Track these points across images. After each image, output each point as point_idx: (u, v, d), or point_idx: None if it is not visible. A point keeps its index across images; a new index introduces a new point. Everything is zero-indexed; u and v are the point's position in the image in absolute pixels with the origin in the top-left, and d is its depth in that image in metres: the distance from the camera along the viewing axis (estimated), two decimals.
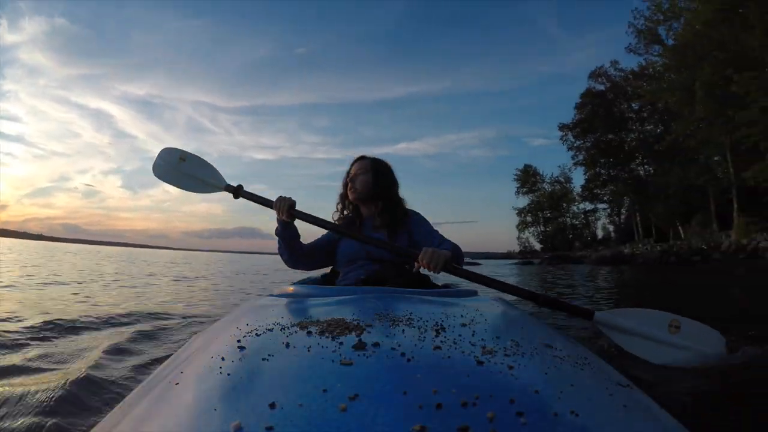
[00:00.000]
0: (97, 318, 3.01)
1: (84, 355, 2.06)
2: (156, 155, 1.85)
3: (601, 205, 42.85)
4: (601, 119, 34.90)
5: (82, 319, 2.90)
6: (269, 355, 0.54)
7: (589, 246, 39.91)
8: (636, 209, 33.70)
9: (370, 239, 1.38)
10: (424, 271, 1.45)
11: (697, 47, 17.00)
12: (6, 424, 1.27)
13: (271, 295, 1.20)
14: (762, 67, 15.52)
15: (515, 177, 52.26)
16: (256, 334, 0.66)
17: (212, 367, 0.54)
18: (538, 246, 53.52)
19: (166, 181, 1.80)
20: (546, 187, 51.39)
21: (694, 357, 1.16)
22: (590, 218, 48.92)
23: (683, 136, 20.87)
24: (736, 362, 1.35)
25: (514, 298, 1.33)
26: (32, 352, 2.08)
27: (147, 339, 2.43)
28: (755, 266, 10.64)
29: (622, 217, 40.63)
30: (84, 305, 3.85)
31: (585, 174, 38.29)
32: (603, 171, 36.90)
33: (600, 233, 48.99)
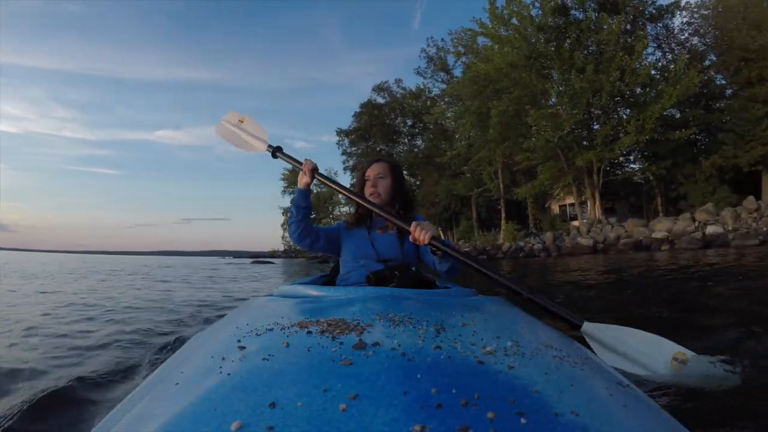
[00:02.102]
0: None
1: None
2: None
3: (344, 208, 45.74)
4: (377, 129, 38.15)
5: None
6: (269, 355, 0.54)
7: None
8: None
9: (382, 213, 1.46)
10: (426, 273, 1.48)
11: (497, 82, 19.98)
12: (6, 425, 1.27)
13: (271, 295, 1.20)
14: (547, 107, 19.72)
15: (282, 177, 52.43)
16: (256, 334, 0.66)
17: (212, 367, 0.54)
18: None
19: (223, 138, 2.08)
20: (312, 188, 53.84)
21: (647, 368, 1.08)
22: None
23: (465, 153, 24.58)
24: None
25: (514, 298, 1.33)
26: None
27: None
28: (532, 263, 12.27)
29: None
30: None
31: (352, 179, 40.82)
32: None
33: None
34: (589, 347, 1.14)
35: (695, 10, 22.91)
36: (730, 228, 13.17)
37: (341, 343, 0.57)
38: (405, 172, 39.07)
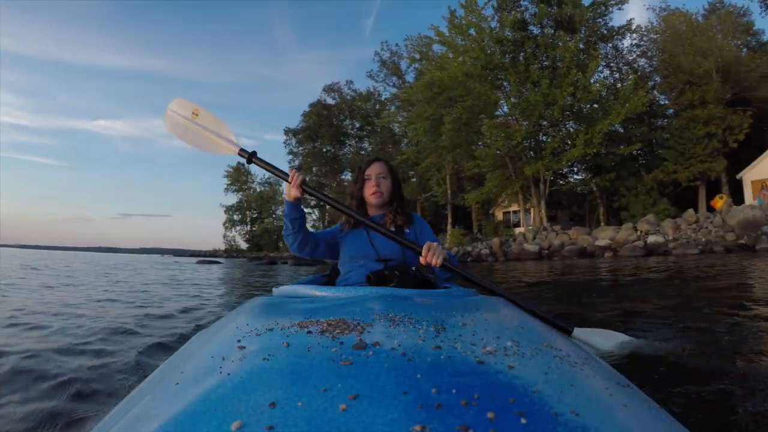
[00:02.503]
0: None
1: None
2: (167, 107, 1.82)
3: (308, 210, 46.36)
4: (325, 130, 38.30)
5: None
6: (269, 355, 0.54)
7: None
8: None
9: (382, 229, 1.43)
10: (426, 273, 1.48)
11: (451, 90, 20.40)
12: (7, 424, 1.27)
13: (271, 295, 1.20)
14: (499, 117, 21.03)
15: (226, 174, 53.01)
16: (256, 334, 0.66)
17: (212, 367, 0.54)
18: (244, 245, 54.12)
19: (177, 135, 1.74)
20: (256, 187, 53.52)
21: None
22: None
23: (414, 157, 25.51)
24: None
25: (514, 298, 1.35)
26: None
27: None
28: (480, 267, 12.69)
29: (326, 221, 44.62)
30: None
31: None
32: (315, 178, 40.63)
33: None
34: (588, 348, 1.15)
35: (645, 33, 24.66)
36: (670, 238, 13.86)
37: (341, 343, 0.57)
38: (350, 175, 38.76)
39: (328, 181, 40.45)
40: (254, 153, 1.64)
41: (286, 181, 1.48)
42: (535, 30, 20.81)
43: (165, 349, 2.22)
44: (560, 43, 19.05)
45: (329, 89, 40.82)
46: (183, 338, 2.40)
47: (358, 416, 0.38)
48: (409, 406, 0.40)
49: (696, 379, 1.39)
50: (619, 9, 22.08)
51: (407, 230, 1.60)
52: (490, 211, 27.44)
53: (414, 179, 29.39)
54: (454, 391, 0.42)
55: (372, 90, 38.08)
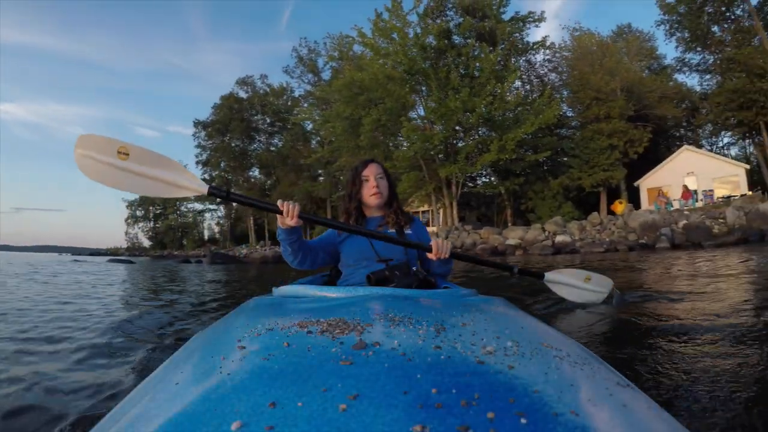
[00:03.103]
0: None
1: None
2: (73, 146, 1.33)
3: (212, 206, 46.21)
4: (236, 124, 37.16)
5: None
6: (269, 355, 0.54)
7: (201, 245, 42.88)
8: (252, 213, 38.45)
9: (387, 236, 1.43)
10: (426, 273, 1.49)
11: (372, 91, 20.91)
12: (6, 423, 1.27)
13: (272, 295, 1.20)
14: (412, 120, 21.88)
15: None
16: (256, 334, 0.66)
17: (212, 367, 0.54)
18: (147, 243, 52.60)
19: (108, 184, 1.33)
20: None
21: (597, 297, 2.03)
22: (198, 218, 50.82)
23: (329, 156, 25.87)
24: (624, 301, 2.36)
25: (514, 298, 1.38)
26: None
27: None
28: None
29: (233, 218, 44.16)
30: None
31: (203, 173, 39.55)
32: (223, 174, 39.50)
33: (206, 233, 50.80)
34: (588, 348, 1.15)
35: (557, 50, 27.40)
36: (576, 238, 14.84)
37: (341, 343, 0.57)
38: (258, 171, 39.60)
39: (236, 177, 39.55)
40: (229, 190, 1.42)
41: (278, 214, 1.35)
42: (458, 39, 21.82)
43: (165, 349, 2.22)
44: (482, 54, 20.12)
45: (242, 82, 39.70)
46: (183, 338, 2.41)
47: (358, 416, 0.38)
48: (409, 406, 0.40)
49: (697, 379, 1.40)
50: (536, 26, 24.13)
51: (409, 231, 1.61)
52: None
53: (323, 177, 29.42)
54: (454, 391, 0.42)
55: (285, 86, 37.67)
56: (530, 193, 22.70)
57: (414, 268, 1.43)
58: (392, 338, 0.58)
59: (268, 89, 38.94)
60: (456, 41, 21.81)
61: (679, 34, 24.38)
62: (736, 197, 17.19)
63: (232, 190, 1.46)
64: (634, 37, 28.74)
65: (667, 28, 24.51)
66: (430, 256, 1.42)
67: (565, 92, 25.85)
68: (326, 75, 32.09)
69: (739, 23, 22.36)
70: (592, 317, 2.32)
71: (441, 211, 23.43)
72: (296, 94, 37.06)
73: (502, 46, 22.08)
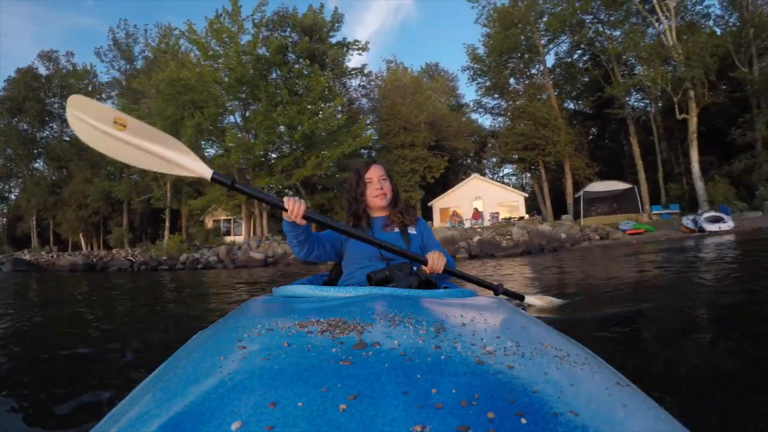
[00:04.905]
0: None
1: None
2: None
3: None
4: (32, 104, 31.71)
5: None
6: (269, 355, 0.54)
7: None
8: (41, 214, 33.72)
9: (386, 245, 1.42)
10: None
11: (198, 93, 20.53)
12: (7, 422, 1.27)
13: (272, 295, 1.20)
14: (237, 128, 22.41)
15: None
16: (256, 334, 0.66)
17: (212, 367, 0.54)
18: None
19: (107, 152, 1.25)
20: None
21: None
22: None
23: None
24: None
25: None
26: None
27: None
28: (212, 274, 12.40)
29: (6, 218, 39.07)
30: None
31: None
32: (7, 163, 34.32)
33: None
34: (588, 348, 1.15)
35: (373, 79, 30.97)
36: None
37: (341, 343, 0.57)
38: (45, 163, 33.92)
39: (20, 168, 34.40)
40: (234, 179, 1.36)
41: (284, 210, 1.33)
42: (292, 57, 23.12)
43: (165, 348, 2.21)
44: (312, 75, 21.21)
45: (46, 57, 33.64)
46: (183, 338, 2.40)
47: (358, 416, 0.38)
48: (408, 406, 0.40)
49: (697, 379, 1.40)
50: (359, 54, 27.51)
51: (413, 231, 1.61)
52: (201, 219, 26.76)
53: (123, 176, 27.16)
54: (453, 391, 0.42)
55: (89, 68, 32.83)
56: (337, 208, 24.34)
57: (415, 268, 1.43)
58: (392, 338, 0.58)
59: (70, 69, 33.59)
60: (290, 58, 22.96)
61: (480, 81, 29.17)
62: (517, 219, 21.49)
63: (236, 181, 1.36)
64: (440, 76, 34.72)
65: (471, 74, 29.17)
66: (424, 269, 1.40)
67: (371, 116, 29.15)
68: (139, 65, 29.78)
69: (533, 79, 27.86)
70: (593, 316, 2.35)
71: (243, 221, 23.80)
72: (103, 80, 32.83)
73: (332, 68, 24.08)
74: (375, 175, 1.62)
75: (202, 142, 22.93)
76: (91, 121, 1.22)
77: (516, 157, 26.44)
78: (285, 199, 1.34)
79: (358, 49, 25.83)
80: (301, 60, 22.55)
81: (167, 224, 24.84)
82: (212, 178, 1.29)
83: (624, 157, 28.64)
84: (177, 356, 0.78)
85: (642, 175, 22.44)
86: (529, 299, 2.11)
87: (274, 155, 22.75)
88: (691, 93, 19.39)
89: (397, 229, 1.58)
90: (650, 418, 0.49)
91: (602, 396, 0.49)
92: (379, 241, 1.43)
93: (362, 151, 25.44)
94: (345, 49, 25.62)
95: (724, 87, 21.66)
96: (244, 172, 21.70)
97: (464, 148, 31.03)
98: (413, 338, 0.58)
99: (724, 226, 13.72)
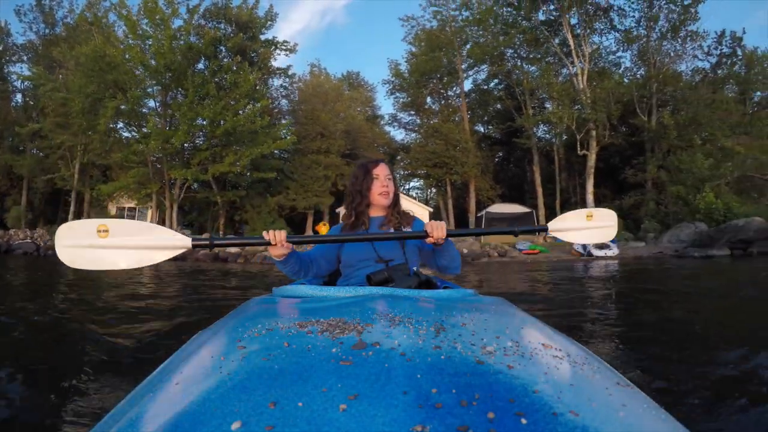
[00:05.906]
0: None
1: None
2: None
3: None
4: None
5: None
6: (269, 355, 0.54)
7: None
8: None
9: (383, 235, 1.42)
10: (428, 270, 1.48)
11: (123, 73, 19.55)
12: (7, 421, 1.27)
13: (272, 295, 1.20)
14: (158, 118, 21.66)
15: None
16: (256, 334, 0.66)
17: (212, 367, 0.54)
18: None
19: (89, 268, 1.26)
20: None
21: (605, 233, 1.67)
22: None
23: (47, 131, 23.13)
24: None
25: (514, 298, 1.37)
26: None
27: None
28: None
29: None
30: None
31: None
32: None
33: None
34: (588, 348, 1.15)
35: (296, 81, 30.73)
36: None
37: (341, 343, 0.57)
38: None
39: None
40: (212, 239, 1.36)
41: (267, 245, 1.32)
42: (224, 51, 22.63)
43: (165, 348, 2.22)
44: (241, 72, 20.75)
45: None
46: (183, 338, 2.40)
47: (358, 416, 0.38)
48: (408, 406, 0.40)
49: (698, 379, 1.40)
50: (287, 55, 27.13)
51: (405, 228, 1.60)
52: (104, 205, 25.55)
53: (25, 152, 25.06)
54: (453, 391, 0.42)
55: (3, 26, 28.45)
56: (248, 206, 24.53)
57: (414, 269, 1.43)
58: (392, 338, 0.58)
59: None
60: (221, 51, 22.45)
61: (399, 96, 30.19)
62: None
63: (214, 237, 1.39)
64: (362, 87, 35.45)
65: (391, 87, 30.14)
66: (428, 240, 1.35)
67: (288, 118, 28.82)
68: (59, 32, 26.92)
69: (449, 101, 29.18)
70: (592, 315, 2.32)
71: (150, 210, 23.14)
72: (18, 41, 29.07)
73: (260, 67, 23.70)
74: (382, 172, 1.61)
75: (119, 125, 22.22)
76: (78, 242, 1.24)
77: (424, 172, 27.24)
78: (263, 233, 1.33)
79: (286, 50, 25.81)
80: (231, 56, 22.05)
81: (72, 208, 23.61)
82: (193, 245, 1.31)
83: (526, 183, 30.37)
84: (177, 356, 0.78)
85: (541, 201, 23.91)
86: (552, 225, 1.81)
87: (190, 146, 22.26)
88: (593, 132, 21.13)
89: (392, 229, 1.58)
90: (650, 418, 0.49)
91: (602, 396, 0.49)
92: (374, 234, 1.43)
93: (275, 152, 25.58)
94: (273, 48, 25.44)
95: (624, 130, 23.97)
96: (159, 161, 21.06)
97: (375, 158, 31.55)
98: (413, 338, 0.58)
99: (609, 252, 15.17)
